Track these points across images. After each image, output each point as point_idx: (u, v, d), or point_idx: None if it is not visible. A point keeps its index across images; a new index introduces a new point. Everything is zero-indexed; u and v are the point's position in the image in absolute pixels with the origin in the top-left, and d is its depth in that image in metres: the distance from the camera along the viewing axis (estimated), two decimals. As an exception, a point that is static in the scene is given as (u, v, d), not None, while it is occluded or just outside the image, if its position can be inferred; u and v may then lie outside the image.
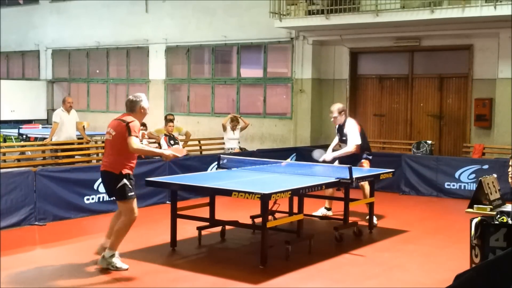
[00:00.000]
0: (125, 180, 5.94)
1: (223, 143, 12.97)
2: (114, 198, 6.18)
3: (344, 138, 8.63)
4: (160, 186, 7.86)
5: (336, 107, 8.64)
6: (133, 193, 6.00)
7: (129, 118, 6.05)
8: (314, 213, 8.58)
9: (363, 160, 8.59)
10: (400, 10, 12.41)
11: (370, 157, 8.73)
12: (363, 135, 8.65)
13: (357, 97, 14.73)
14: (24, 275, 5.93)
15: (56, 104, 18.82)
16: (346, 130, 8.54)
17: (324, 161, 8.50)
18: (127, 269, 5.89)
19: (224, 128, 12.64)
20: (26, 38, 20.51)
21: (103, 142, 14.15)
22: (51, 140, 11.84)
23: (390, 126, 14.34)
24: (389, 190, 11.13)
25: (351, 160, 8.29)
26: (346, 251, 6.93)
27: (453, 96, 13.56)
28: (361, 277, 6.03)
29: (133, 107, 6.17)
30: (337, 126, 8.80)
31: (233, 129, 12.61)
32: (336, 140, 9.17)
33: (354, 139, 8.45)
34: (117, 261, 5.93)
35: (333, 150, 8.97)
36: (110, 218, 8.58)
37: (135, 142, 5.89)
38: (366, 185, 8.31)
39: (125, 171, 5.97)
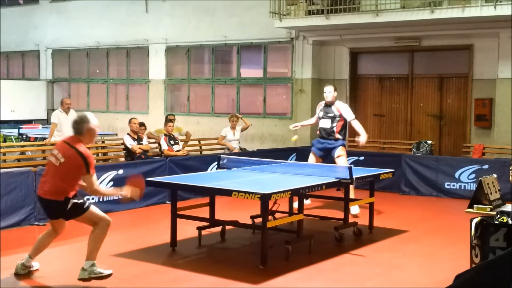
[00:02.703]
0: (73, 200, 5.52)
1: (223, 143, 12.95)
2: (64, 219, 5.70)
3: (331, 114, 9.24)
4: (160, 186, 7.86)
5: (333, 86, 9.45)
6: (87, 203, 5.66)
7: (81, 147, 5.49)
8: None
9: (341, 147, 9.20)
10: (400, 10, 12.41)
11: (344, 143, 9.43)
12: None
13: (357, 97, 14.73)
14: (24, 275, 5.93)
15: (56, 104, 18.82)
16: (339, 108, 9.23)
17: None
18: (111, 274, 5.55)
19: (224, 144, 12.59)
20: (26, 38, 20.51)
21: (103, 142, 14.19)
22: (50, 141, 11.85)
23: (390, 126, 14.34)
24: (389, 190, 11.13)
25: (330, 143, 9.21)
26: (346, 251, 6.93)
27: (453, 96, 13.56)
28: (361, 277, 6.03)
29: (80, 128, 5.57)
30: (322, 106, 9.41)
31: (233, 128, 12.59)
32: (312, 120, 9.91)
33: (352, 114, 9.31)
34: (99, 269, 5.55)
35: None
36: (110, 218, 8.57)
37: (96, 183, 5.59)
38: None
39: (71, 194, 5.51)
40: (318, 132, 9.47)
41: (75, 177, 5.50)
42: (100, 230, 5.62)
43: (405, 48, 13.86)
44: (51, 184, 5.50)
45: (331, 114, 9.23)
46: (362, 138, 9.15)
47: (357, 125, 9.25)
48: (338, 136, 9.20)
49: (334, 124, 9.19)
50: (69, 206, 5.51)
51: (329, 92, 9.26)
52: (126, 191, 5.76)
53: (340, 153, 9.10)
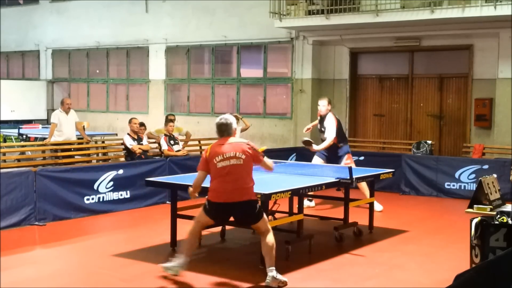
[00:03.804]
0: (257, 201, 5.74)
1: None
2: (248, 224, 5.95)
3: (323, 129, 9.41)
4: (160, 186, 7.86)
5: (326, 99, 9.53)
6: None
7: (244, 140, 5.90)
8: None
9: (347, 156, 9.36)
10: (400, 10, 12.41)
11: (349, 150, 9.62)
12: (339, 127, 9.44)
13: (357, 97, 14.72)
14: (24, 275, 5.93)
15: (56, 104, 18.82)
16: (325, 123, 9.36)
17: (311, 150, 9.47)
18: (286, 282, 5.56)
19: None
20: (26, 38, 20.51)
21: (103, 142, 14.18)
22: (50, 141, 11.85)
23: (390, 126, 14.34)
24: (389, 190, 11.12)
25: (334, 153, 9.35)
26: (346, 251, 6.93)
27: (453, 96, 13.56)
28: (361, 277, 6.04)
29: (230, 130, 5.83)
30: (319, 118, 9.60)
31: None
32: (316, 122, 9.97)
33: (331, 134, 9.24)
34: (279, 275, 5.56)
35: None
36: (110, 218, 8.57)
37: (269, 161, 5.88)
38: (363, 184, 8.81)
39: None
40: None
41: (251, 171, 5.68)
42: (272, 237, 5.68)
43: (405, 48, 13.85)
44: (246, 183, 5.59)
45: (324, 129, 9.44)
46: (315, 146, 9.30)
47: (324, 143, 9.26)
48: (340, 144, 9.41)
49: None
50: (258, 206, 5.68)
51: (322, 106, 9.44)
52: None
53: (346, 162, 9.15)
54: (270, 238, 5.65)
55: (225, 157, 5.59)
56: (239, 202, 5.57)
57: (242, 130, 12.81)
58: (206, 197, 5.79)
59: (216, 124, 5.85)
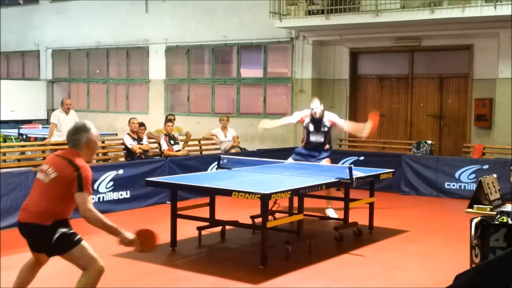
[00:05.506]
0: (61, 230, 4.36)
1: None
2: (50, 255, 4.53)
3: (324, 129, 8.90)
4: (160, 186, 7.86)
5: (318, 100, 9.03)
6: (78, 236, 4.44)
7: (79, 161, 4.36)
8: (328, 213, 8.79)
9: (327, 159, 8.91)
10: (400, 10, 12.41)
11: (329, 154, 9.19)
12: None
13: (357, 97, 14.73)
14: (24, 275, 5.92)
15: (56, 104, 18.83)
16: (330, 118, 8.92)
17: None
18: None
19: (211, 138, 12.75)
20: (26, 38, 20.51)
21: (103, 142, 14.17)
22: (50, 141, 11.87)
23: (390, 126, 14.34)
24: (389, 190, 11.13)
25: (316, 154, 8.86)
26: (346, 251, 6.93)
27: (453, 96, 13.56)
28: (361, 277, 6.04)
29: (77, 140, 4.44)
30: (309, 118, 8.96)
31: (224, 128, 12.71)
32: (286, 119, 9.49)
33: (344, 122, 9.23)
34: None
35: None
36: (110, 218, 8.59)
37: (89, 203, 4.31)
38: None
39: (59, 218, 4.38)
40: (304, 144, 9.08)
41: (66, 197, 4.34)
42: (89, 279, 4.36)
43: (405, 48, 13.86)
44: (36, 205, 4.36)
45: (325, 129, 8.91)
46: (367, 128, 8.85)
47: (352, 124, 9.21)
48: (327, 147, 9.08)
49: (325, 137, 8.99)
50: (56, 235, 4.33)
51: (316, 107, 8.84)
52: (130, 238, 4.52)
53: (325, 163, 8.82)
54: (83, 281, 4.34)
55: (40, 168, 4.56)
56: (25, 223, 4.39)
57: (234, 140, 12.79)
58: None
59: None
